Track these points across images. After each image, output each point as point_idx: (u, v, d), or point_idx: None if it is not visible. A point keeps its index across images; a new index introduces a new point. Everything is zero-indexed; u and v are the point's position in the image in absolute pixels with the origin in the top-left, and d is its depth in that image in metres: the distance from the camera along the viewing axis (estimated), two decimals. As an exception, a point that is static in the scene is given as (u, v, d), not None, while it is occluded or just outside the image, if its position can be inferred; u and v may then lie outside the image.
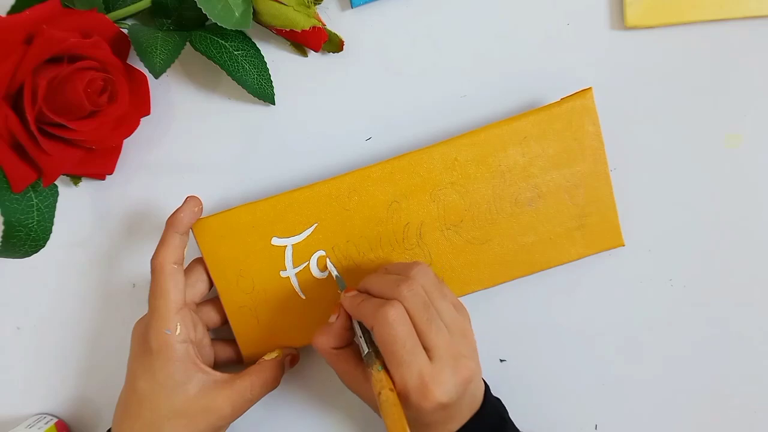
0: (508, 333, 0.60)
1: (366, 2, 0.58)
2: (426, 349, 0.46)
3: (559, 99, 0.56)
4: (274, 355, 0.55)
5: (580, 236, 0.56)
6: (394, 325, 0.46)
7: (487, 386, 0.52)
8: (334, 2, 0.59)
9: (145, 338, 0.51)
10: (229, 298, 0.56)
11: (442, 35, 0.59)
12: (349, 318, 0.51)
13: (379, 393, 0.45)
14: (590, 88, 0.55)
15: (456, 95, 0.60)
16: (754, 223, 0.60)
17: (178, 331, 0.50)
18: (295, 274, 0.56)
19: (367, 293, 0.50)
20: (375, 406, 0.51)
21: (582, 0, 0.59)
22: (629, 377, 0.60)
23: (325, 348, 0.51)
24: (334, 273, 0.55)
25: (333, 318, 0.52)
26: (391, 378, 0.46)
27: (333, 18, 0.58)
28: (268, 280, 0.56)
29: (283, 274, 0.56)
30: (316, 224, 0.56)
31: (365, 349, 0.49)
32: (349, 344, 0.52)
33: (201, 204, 0.54)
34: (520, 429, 0.53)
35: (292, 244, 0.56)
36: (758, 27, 0.58)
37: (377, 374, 0.47)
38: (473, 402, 0.50)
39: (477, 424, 0.49)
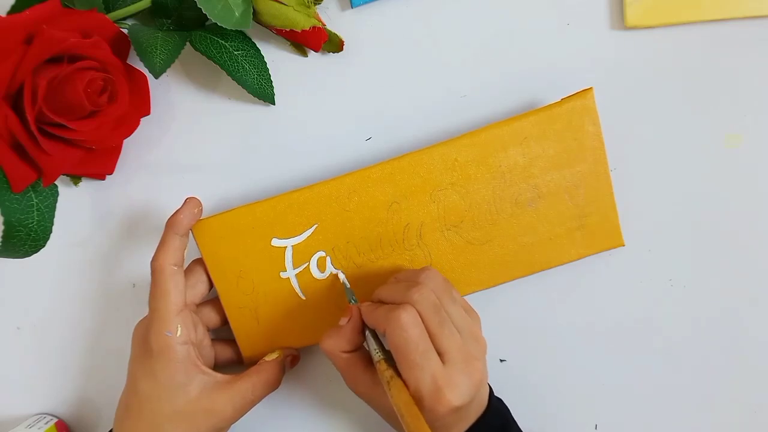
0: (508, 333, 0.60)
1: (366, 2, 0.58)
2: (438, 352, 0.46)
3: (559, 99, 0.55)
4: (274, 355, 0.55)
5: (580, 236, 0.56)
6: (407, 328, 0.46)
7: (490, 387, 0.52)
8: (334, 2, 0.59)
9: (146, 340, 0.51)
10: (229, 299, 0.56)
11: (442, 35, 0.59)
12: (361, 322, 0.51)
13: (399, 392, 0.45)
14: (591, 88, 0.55)
15: (456, 95, 0.59)
16: (754, 223, 0.60)
17: (179, 332, 0.50)
18: (296, 275, 0.56)
19: (380, 302, 0.50)
20: (382, 411, 0.51)
21: (582, 0, 0.59)
22: (629, 377, 0.60)
23: (335, 351, 0.51)
24: (347, 285, 0.55)
25: (344, 321, 0.51)
26: (404, 382, 0.46)
27: (333, 18, 0.58)
28: (268, 281, 0.56)
29: (283, 275, 0.56)
30: (316, 225, 0.56)
31: (377, 356, 0.49)
32: (358, 348, 0.52)
33: (201, 205, 0.54)
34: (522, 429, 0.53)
35: (292, 245, 0.56)
36: (758, 27, 0.58)
37: (392, 381, 0.46)
38: (480, 404, 0.50)
39: (483, 425, 0.49)
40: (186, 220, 0.53)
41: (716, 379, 0.60)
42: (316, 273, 0.56)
